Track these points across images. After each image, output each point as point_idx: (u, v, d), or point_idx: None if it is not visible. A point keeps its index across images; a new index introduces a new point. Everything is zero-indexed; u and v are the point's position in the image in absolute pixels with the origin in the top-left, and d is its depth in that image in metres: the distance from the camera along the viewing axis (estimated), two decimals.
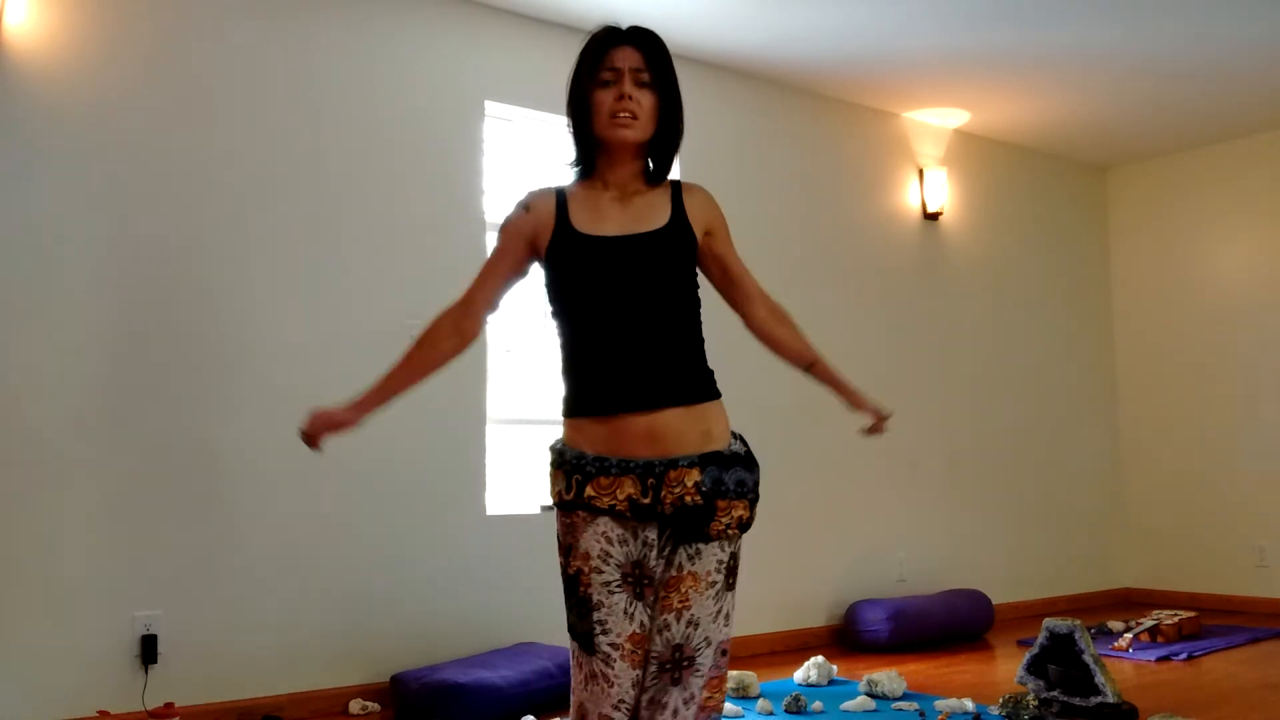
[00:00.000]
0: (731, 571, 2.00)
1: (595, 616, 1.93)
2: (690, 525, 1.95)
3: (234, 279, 3.90)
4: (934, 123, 6.16)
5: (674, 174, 2.16)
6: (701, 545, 1.95)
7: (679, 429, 1.95)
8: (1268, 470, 6.31)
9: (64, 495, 3.54)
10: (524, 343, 4.62)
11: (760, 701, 3.86)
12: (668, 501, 1.93)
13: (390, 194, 4.24)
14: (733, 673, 4.12)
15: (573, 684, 1.99)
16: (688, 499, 1.93)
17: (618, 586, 1.94)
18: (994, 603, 5.76)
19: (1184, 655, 4.83)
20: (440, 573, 4.22)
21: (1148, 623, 5.31)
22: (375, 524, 4.10)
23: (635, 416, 1.93)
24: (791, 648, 5.19)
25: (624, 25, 2.06)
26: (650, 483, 1.93)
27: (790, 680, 4.38)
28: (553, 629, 4.34)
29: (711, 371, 2.10)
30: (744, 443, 2.06)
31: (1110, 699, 3.62)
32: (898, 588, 5.68)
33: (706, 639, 1.96)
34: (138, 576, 3.64)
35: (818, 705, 3.86)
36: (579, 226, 2.00)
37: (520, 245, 2.06)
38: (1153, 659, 4.78)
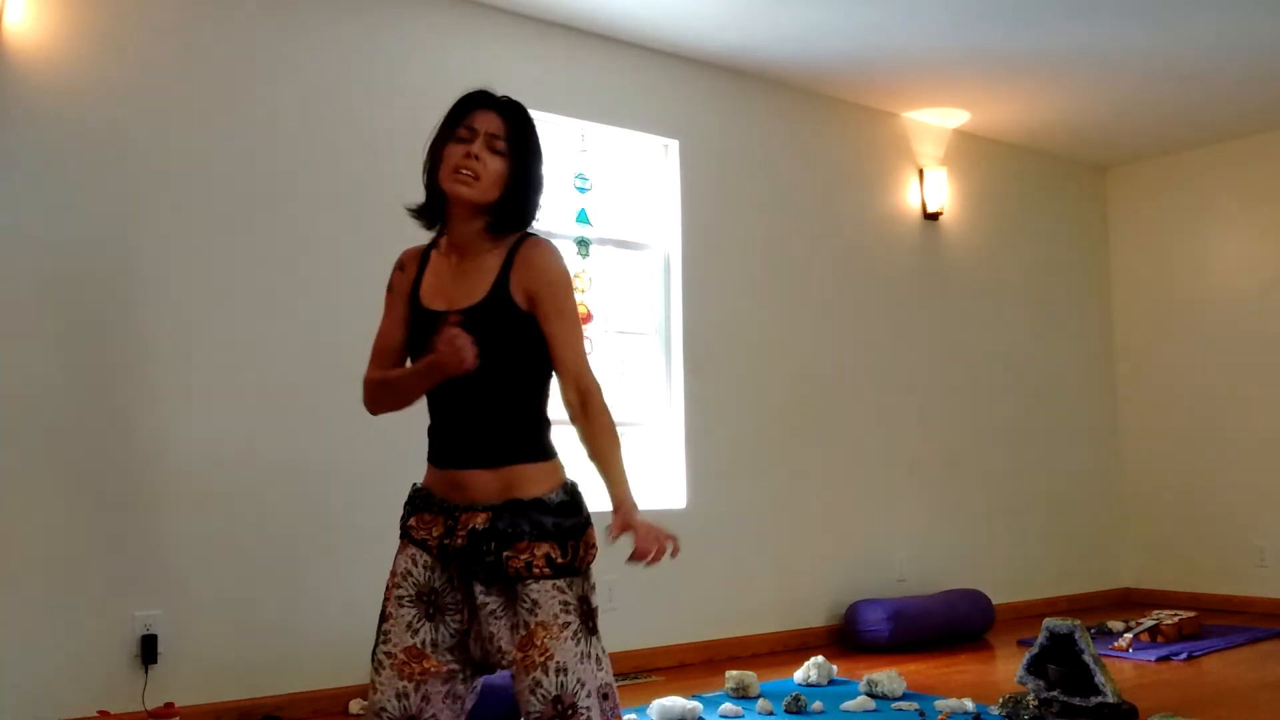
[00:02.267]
0: (586, 615, 1.99)
1: (383, 627, 2.03)
2: (476, 564, 1.96)
3: (233, 278, 3.90)
4: (934, 123, 6.16)
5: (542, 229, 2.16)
6: (535, 595, 1.94)
7: (480, 481, 2.02)
8: (1268, 470, 6.30)
9: (64, 494, 3.54)
10: None
11: (760, 701, 3.87)
12: (455, 543, 2.00)
13: (390, 194, 4.23)
14: (733, 673, 4.13)
15: None
16: (459, 540, 1.98)
17: (409, 602, 2.02)
18: (994, 603, 5.76)
19: (1184, 655, 4.83)
20: None
21: (1148, 623, 5.31)
22: (375, 524, 4.09)
23: (448, 472, 2.04)
24: (791, 648, 5.19)
25: (498, 93, 2.10)
26: (448, 524, 2.01)
27: (790, 680, 4.38)
28: None
29: (531, 436, 2.06)
30: (568, 493, 2.04)
31: (1110, 699, 3.62)
32: (898, 588, 5.68)
33: (580, 682, 1.93)
34: (138, 576, 3.64)
35: (818, 705, 3.86)
36: (422, 296, 2.08)
37: (402, 304, 2.13)
38: (1153, 659, 4.78)
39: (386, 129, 4.23)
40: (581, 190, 4.88)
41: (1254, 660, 4.79)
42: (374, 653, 2.03)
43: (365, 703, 3.90)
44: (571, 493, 2.06)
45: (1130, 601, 6.81)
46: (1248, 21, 4.84)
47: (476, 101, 2.09)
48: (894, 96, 5.76)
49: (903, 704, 3.86)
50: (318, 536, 3.99)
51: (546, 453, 2.07)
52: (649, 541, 1.97)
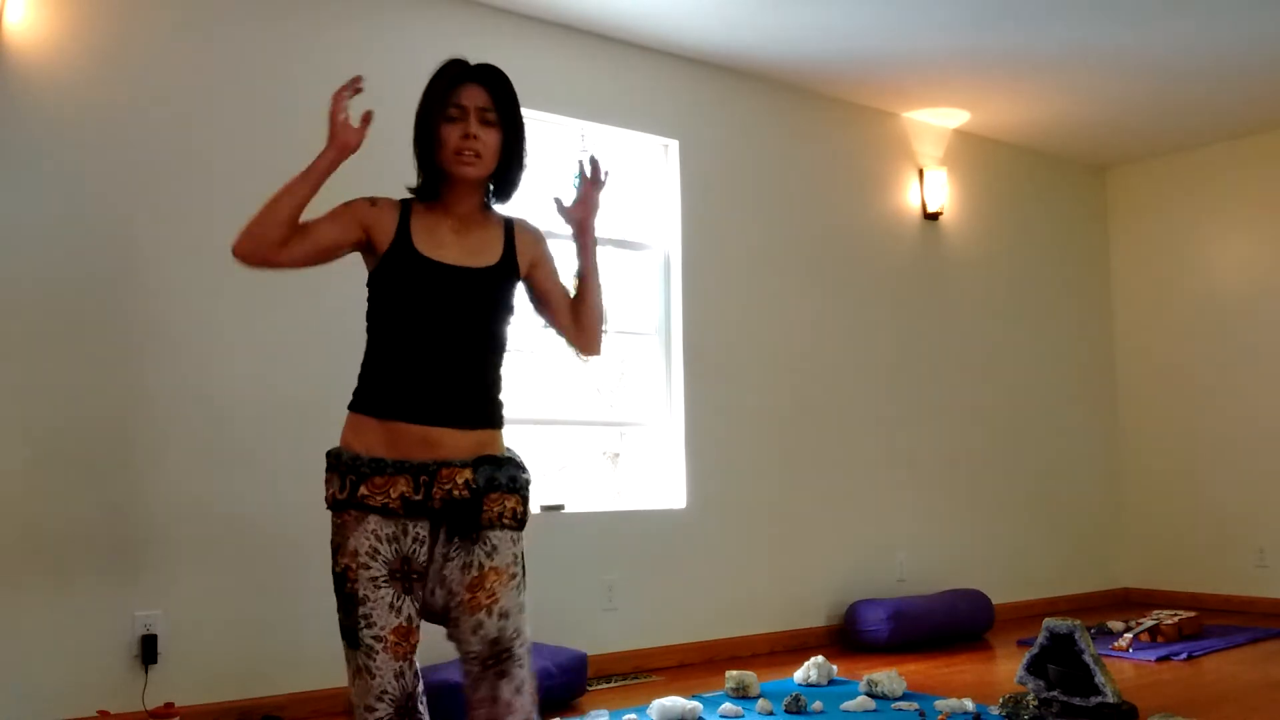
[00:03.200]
0: (524, 570, 2.12)
1: (360, 611, 2.01)
2: (462, 518, 2.04)
3: (233, 277, 3.90)
4: (934, 123, 6.16)
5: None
6: (495, 541, 2.04)
7: (453, 439, 2.06)
8: (1268, 470, 6.31)
9: (64, 494, 3.54)
10: (524, 343, 4.61)
11: (760, 701, 3.86)
12: (438, 497, 2.02)
13: (390, 190, 4.23)
14: (733, 673, 4.12)
15: (348, 681, 2.07)
16: (456, 494, 2.02)
17: (384, 581, 2.02)
18: (994, 603, 5.76)
19: (1184, 655, 4.83)
20: None
21: (1148, 623, 5.31)
22: None
23: (411, 426, 2.03)
24: (791, 648, 5.19)
25: (472, 61, 2.16)
26: (423, 480, 2.02)
27: (790, 680, 4.38)
28: (552, 629, 4.34)
29: (500, 404, 2.18)
30: (514, 453, 2.17)
31: (1110, 699, 3.62)
32: (898, 588, 5.68)
33: (517, 630, 2.05)
34: (138, 576, 3.64)
35: (818, 705, 3.86)
36: (418, 246, 2.10)
37: (354, 225, 2.14)
38: (1153, 659, 4.78)
39: (387, 127, 4.22)
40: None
41: (1254, 660, 4.79)
42: (356, 639, 2.01)
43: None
44: (515, 454, 2.17)
45: (1130, 601, 6.81)
46: (1248, 22, 4.84)
47: (459, 76, 2.14)
48: (894, 96, 5.76)
49: (903, 704, 3.86)
50: (318, 536, 3.98)
51: (502, 422, 2.18)
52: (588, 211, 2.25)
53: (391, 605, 2.01)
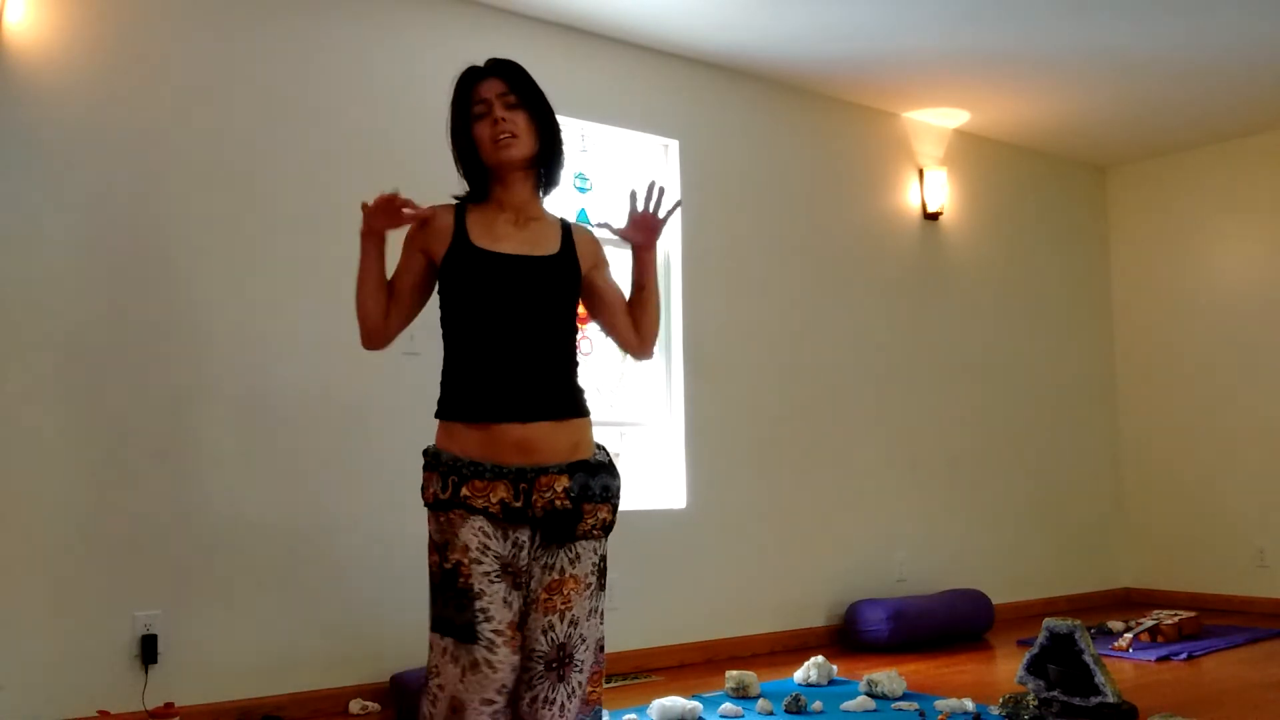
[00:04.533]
0: (603, 573, 2.17)
1: (478, 605, 2.02)
2: (559, 527, 2.08)
3: (233, 279, 3.90)
4: (934, 123, 6.16)
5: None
6: (580, 550, 2.09)
7: (550, 440, 2.09)
8: (1268, 470, 6.31)
9: (63, 494, 3.54)
10: None
11: (760, 701, 3.86)
12: (539, 505, 2.06)
13: (388, 186, 4.23)
14: (733, 673, 4.12)
15: (440, 680, 2.04)
16: (558, 503, 2.07)
17: (497, 576, 2.04)
18: (994, 603, 5.76)
19: (1184, 655, 4.83)
20: None
21: (1148, 623, 5.31)
22: (376, 524, 4.09)
23: (508, 426, 2.06)
24: (791, 648, 5.19)
25: (482, 63, 2.23)
26: (523, 487, 2.05)
27: (790, 680, 4.38)
28: None
29: (583, 390, 2.23)
30: (607, 454, 2.22)
31: (1110, 699, 3.62)
32: (898, 588, 5.68)
33: (583, 636, 2.11)
34: (138, 576, 3.64)
35: (818, 705, 3.86)
36: (477, 242, 2.13)
37: (416, 257, 2.21)
38: (1153, 659, 4.78)
39: (390, 125, 4.23)
40: (581, 190, 4.88)
41: (1254, 660, 4.79)
42: (474, 633, 2.00)
43: (366, 702, 3.91)
44: (608, 452, 2.21)
45: (1130, 601, 6.81)
46: (1248, 21, 4.84)
47: (473, 77, 2.21)
48: (894, 96, 5.76)
49: (903, 704, 3.86)
50: (318, 536, 3.99)
51: (589, 410, 2.23)
52: (648, 234, 2.26)
53: (504, 600, 2.04)
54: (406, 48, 4.33)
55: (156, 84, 3.80)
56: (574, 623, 2.09)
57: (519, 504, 2.04)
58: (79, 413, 3.58)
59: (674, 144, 5.13)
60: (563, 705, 2.07)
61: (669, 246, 5.09)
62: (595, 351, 4.77)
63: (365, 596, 4.05)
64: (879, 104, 5.87)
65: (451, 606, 2.03)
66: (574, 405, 2.15)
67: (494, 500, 2.04)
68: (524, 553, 2.08)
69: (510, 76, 2.20)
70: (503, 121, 2.14)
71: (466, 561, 2.03)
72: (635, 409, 5.00)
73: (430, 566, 2.09)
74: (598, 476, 2.12)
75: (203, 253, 3.84)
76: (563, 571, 2.08)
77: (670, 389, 5.05)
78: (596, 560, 2.13)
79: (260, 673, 3.83)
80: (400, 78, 4.31)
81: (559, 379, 2.14)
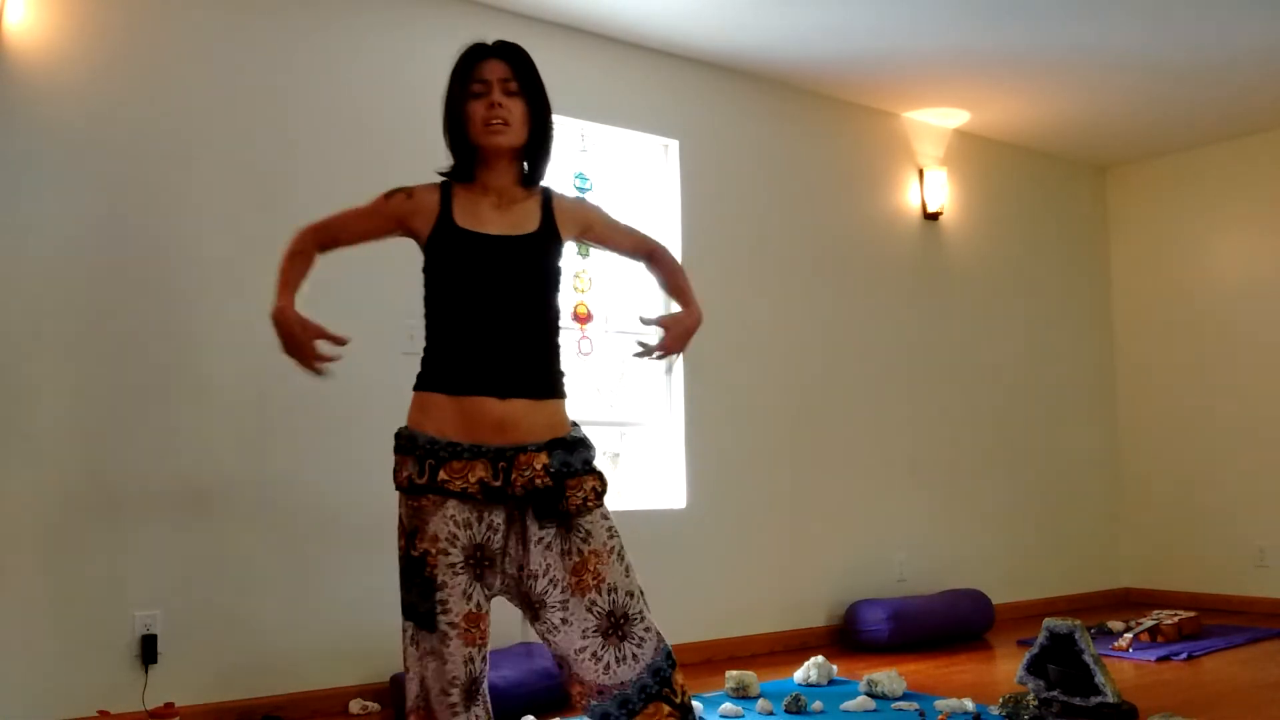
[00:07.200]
0: (617, 532, 2.19)
1: (438, 596, 2.05)
2: (542, 505, 2.10)
3: (231, 279, 3.90)
4: (934, 123, 6.16)
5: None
6: (587, 526, 2.12)
7: (528, 419, 2.11)
8: (1268, 470, 6.31)
9: (64, 495, 3.54)
10: None
11: (760, 701, 3.86)
12: (518, 484, 2.07)
13: (388, 183, 4.23)
14: (732, 673, 4.12)
15: (409, 662, 2.10)
16: (538, 481, 2.08)
17: (461, 569, 2.07)
18: (994, 603, 5.76)
19: (1184, 655, 4.83)
20: None
21: (1148, 623, 5.31)
22: (375, 523, 4.09)
23: (486, 401, 2.08)
24: (791, 648, 5.19)
25: (491, 41, 2.23)
26: (501, 466, 2.07)
27: (790, 680, 4.38)
28: None
29: (562, 374, 2.25)
30: (579, 428, 2.24)
31: (1110, 699, 3.62)
32: (898, 588, 5.68)
33: (629, 593, 2.14)
34: (138, 576, 3.64)
35: (818, 705, 3.86)
36: (460, 222, 2.16)
37: (388, 219, 2.23)
38: (1153, 659, 4.78)
39: (390, 124, 4.23)
40: (581, 190, 4.87)
41: (1254, 660, 4.79)
42: (433, 623, 2.05)
43: (366, 702, 3.91)
44: (579, 428, 2.24)
45: (1130, 601, 6.81)
46: (1248, 22, 4.84)
47: (478, 54, 2.21)
48: (894, 96, 5.76)
49: (903, 704, 3.86)
50: (317, 536, 3.99)
51: (566, 392, 2.24)
52: (679, 343, 2.32)
53: (464, 592, 2.06)
54: (406, 47, 4.33)
55: (157, 84, 3.81)
56: (613, 589, 2.12)
57: (498, 483, 2.05)
58: (79, 412, 3.58)
59: (674, 144, 5.13)
60: (634, 654, 2.11)
61: (669, 246, 5.08)
62: (595, 352, 4.77)
63: (365, 596, 4.05)
64: (879, 104, 5.87)
65: (415, 593, 2.08)
66: (551, 386, 2.18)
67: (473, 480, 2.05)
68: (498, 536, 2.09)
69: (516, 62, 2.21)
70: (498, 107, 2.15)
71: (434, 551, 2.06)
72: (635, 409, 5.00)
73: (399, 550, 2.12)
74: (576, 452, 2.14)
75: (203, 252, 3.84)
76: (581, 552, 2.11)
77: (670, 389, 5.05)
78: (610, 524, 2.16)
79: (260, 673, 3.83)
80: (400, 77, 4.31)
81: (538, 359, 2.16)
